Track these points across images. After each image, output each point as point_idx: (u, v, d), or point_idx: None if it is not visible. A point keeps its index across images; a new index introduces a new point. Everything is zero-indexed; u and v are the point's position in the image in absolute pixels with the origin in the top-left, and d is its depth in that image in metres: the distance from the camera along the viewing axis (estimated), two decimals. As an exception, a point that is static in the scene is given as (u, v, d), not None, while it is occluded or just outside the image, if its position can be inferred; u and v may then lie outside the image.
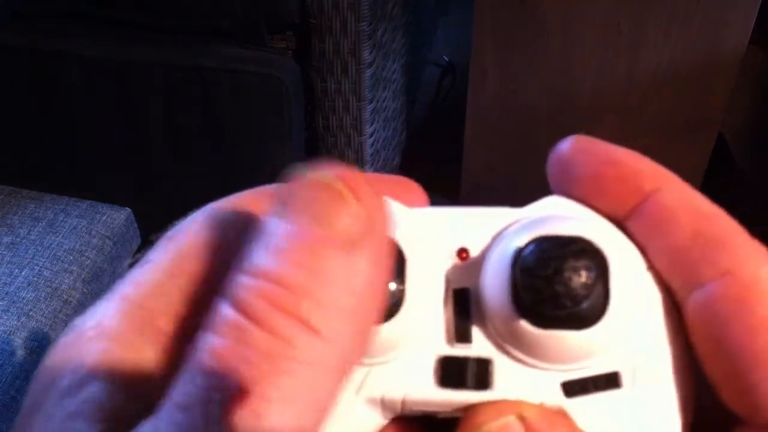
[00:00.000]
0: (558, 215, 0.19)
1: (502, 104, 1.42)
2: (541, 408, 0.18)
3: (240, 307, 0.15)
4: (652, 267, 0.19)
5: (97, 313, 0.18)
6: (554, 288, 0.17)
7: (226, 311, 0.15)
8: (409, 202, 0.20)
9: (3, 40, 1.13)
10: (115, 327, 0.17)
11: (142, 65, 1.12)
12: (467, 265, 0.20)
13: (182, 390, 0.15)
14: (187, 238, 0.19)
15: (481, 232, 0.20)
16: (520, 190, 1.63)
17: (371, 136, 1.27)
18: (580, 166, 0.20)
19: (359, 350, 0.16)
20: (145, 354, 0.17)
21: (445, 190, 1.61)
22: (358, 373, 0.19)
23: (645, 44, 1.24)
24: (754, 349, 0.17)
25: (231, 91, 1.12)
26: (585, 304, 0.17)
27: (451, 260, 0.20)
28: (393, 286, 0.18)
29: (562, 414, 0.18)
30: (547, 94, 1.37)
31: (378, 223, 0.17)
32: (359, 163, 1.28)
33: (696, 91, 1.27)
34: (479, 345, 0.19)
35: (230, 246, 0.18)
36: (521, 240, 0.18)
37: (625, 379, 0.19)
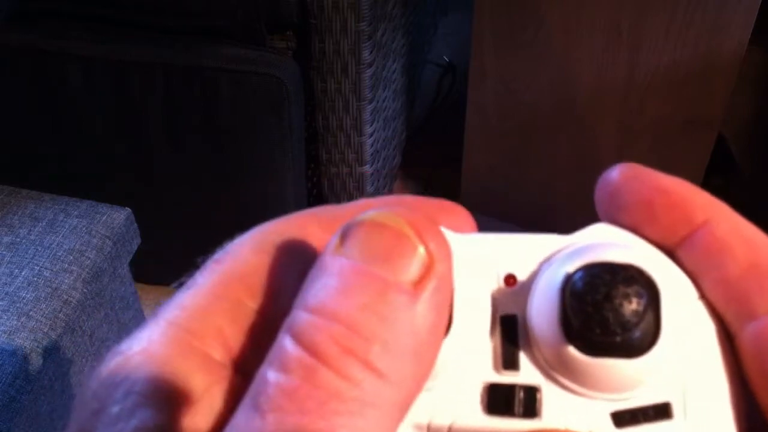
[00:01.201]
0: (607, 242, 0.19)
1: (502, 104, 1.42)
2: None
3: (308, 346, 0.15)
4: (704, 297, 0.19)
5: (143, 338, 0.18)
6: (604, 314, 0.17)
7: (292, 348, 0.16)
8: (457, 228, 0.20)
9: (3, 40, 1.13)
10: (162, 352, 0.17)
11: (142, 65, 1.12)
12: (514, 291, 0.20)
13: (245, 426, 0.15)
14: (234, 262, 0.19)
15: (528, 258, 0.20)
16: (520, 190, 1.63)
17: (371, 136, 1.27)
18: (630, 194, 0.19)
19: (420, 389, 0.17)
20: (193, 380, 0.17)
21: (445, 190, 1.61)
22: None
23: (645, 44, 1.24)
24: None
25: (231, 91, 1.12)
26: (635, 332, 0.17)
27: (498, 286, 0.20)
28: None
29: None
30: (547, 94, 1.37)
31: (442, 267, 0.17)
32: (359, 162, 1.28)
33: (696, 91, 1.27)
34: (527, 372, 0.19)
35: (278, 272, 0.18)
36: (571, 266, 0.18)
37: (676, 410, 0.18)
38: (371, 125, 1.25)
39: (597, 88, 1.32)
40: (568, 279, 0.18)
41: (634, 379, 0.18)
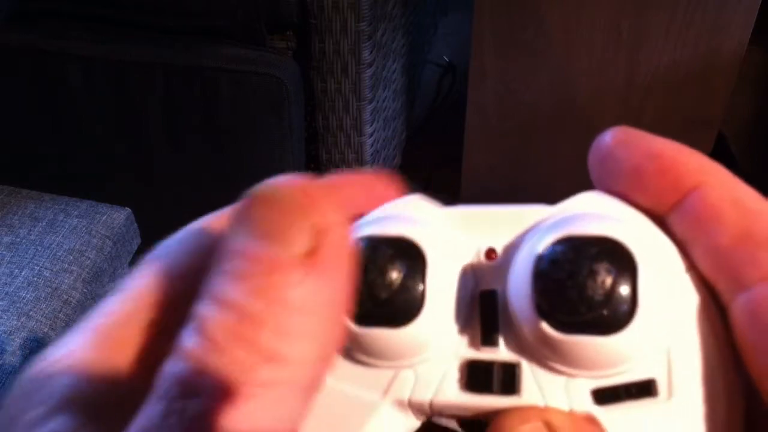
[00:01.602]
0: (589, 213, 0.19)
1: (502, 104, 1.42)
2: (569, 415, 0.18)
3: (201, 337, 0.15)
4: (693, 268, 0.18)
5: (66, 345, 0.17)
6: (568, 292, 0.17)
7: (188, 340, 0.15)
8: (381, 200, 0.20)
9: (3, 40, 1.13)
10: (84, 358, 0.17)
11: (142, 65, 1.12)
12: (495, 265, 0.19)
13: (146, 414, 0.15)
14: (162, 264, 0.19)
15: (510, 231, 0.19)
16: (520, 190, 1.63)
17: (371, 136, 1.27)
18: (620, 160, 0.19)
19: (325, 367, 0.16)
20: (115, 384, 0.17)
21: (445, 190, 1.61)
22: (385, 376, 0.19)
23: (645, 44, 1.24)
24: None
25: (231, 91, 1.12)
26: (605, 309, 0.17)
27: (479, 260, 0.19)
28: (417, 287, 0.18)
29: (591, 421, 0.18)
30: (547, 94, 1.37)
31: (335, 239, 0.16)
32: (359, 162, 1.28)
33: (696, 91, 1.27)
34: (506, 349, 0.19)
35: (198, 271, 0.17)
36: (546, 240, 0.18)
37: (661, 387, 0.18)
38: (371, 125, 1.25)
39: (597, 88, 1.32)
40: (539, 255, 0.17)
41: (613, 357, 0.17)
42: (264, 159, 1.18)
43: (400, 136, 1.55)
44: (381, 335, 0.18)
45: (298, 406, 0.16)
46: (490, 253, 0.19)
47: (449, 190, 1.60)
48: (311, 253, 0.15)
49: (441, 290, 0.18)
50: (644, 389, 0.18)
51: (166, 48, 1.12)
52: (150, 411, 0.15)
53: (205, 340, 0.15)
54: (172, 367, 0.15)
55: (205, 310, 0.15)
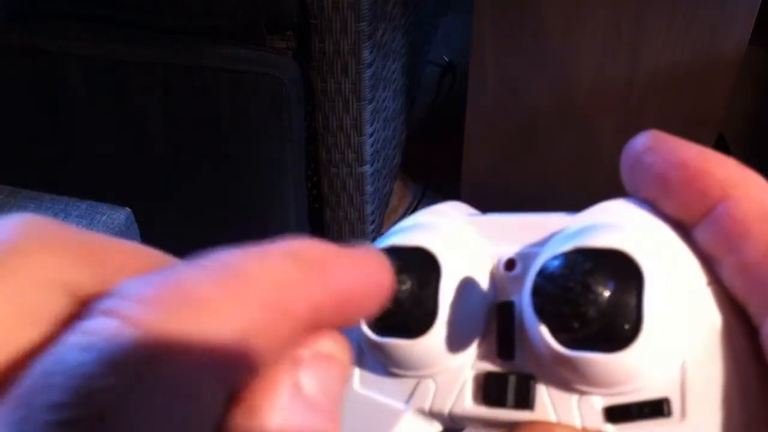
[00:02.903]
0: (603, 224, 0.18)
1: (502, 104, 1.42)
2: None
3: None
4: (716, 282, 0.17)
5: None
6: (561, 308, 0.16)
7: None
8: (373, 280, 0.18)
9: (3, 40, 1.13)
10: None
11: (142, 65, 1.12)
12: (513, 276, 0.19)
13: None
14: None
15: (530, 241, 0.19)
16: (520, 190, 1.63)
17: (371, 136, 1.27)
18: (647, 168, 0.18)
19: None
20: None
21: (445, 190, 1.61)
22: (408, 384, 0.19)
23: (645, 44, 1.24)
24: None
25: (231, 91, 1.12)
26: (604, 325, 0.16)
27: (500, 271, 0.19)
28: (430, 299, 0.18)
29: None
30: (547, 94, 1.37)
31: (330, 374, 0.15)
32: (359, 162, 1.28)
33: (696, 91, 1.27)
34: (522, 361, 0.18)
35: None
36: (553, 252, 0.17)
37: (674, 407, 0.17)
38: (371, 125, 1.25)
39: (597, 88, 1.32)
40: (539, 269, 0.17)
41: (620, 374, 0.17)
42: (264, 159, 1.18)
43: (400, 136, 1.55)
44: (398, 345, 0.18)
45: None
46: (509, 263, 0.19)
47: (449, 190, 1.60)
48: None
49: (455, 302, 0.18)
50: (657, 408, 0.17)
51: (166, 48, 1.12)
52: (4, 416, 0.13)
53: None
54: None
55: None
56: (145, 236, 1.02)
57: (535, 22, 1.29)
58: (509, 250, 0.19)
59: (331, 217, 1.36)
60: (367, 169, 1.30)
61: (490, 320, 0.19)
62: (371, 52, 1.16)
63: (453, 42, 1.92)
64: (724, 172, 0.17)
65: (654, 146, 0.18)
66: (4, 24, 1.13)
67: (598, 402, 0.17)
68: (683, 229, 0.18)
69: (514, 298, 0.19)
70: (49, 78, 1.14)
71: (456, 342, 0.19)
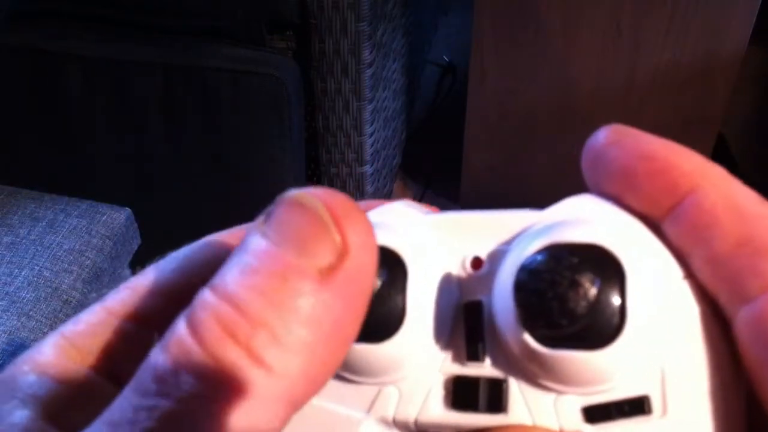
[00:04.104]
0: (577, 219, 0.17)
1: (502, 104, 1.42)
2: None
3: (192, 326, 0.14)
4: (691, 276, 0.17)
5: (38, 348, 0.18)
6: (547, 304, 0.16)
7: (179, 328, 0.15)
8: None
9: (3, 40, 1.13)
10: (49, 362, 0.17)
11: (142, 65, 1.12)
12: (480, 275, 0.18)
13: (116, 406, 0.14)
14: (146, 279, 0.19)
15: (497, 238, 0.18)
16: (520, 190, 1.63)
17: (371, 136, 1.27)
18: (611, 161, 0.18)
19: (315, 388, 0.15)
20: (75, 387, 0.17)
21: (445, 190, 1.61)
22: (368, 392, 0.18)
23: (645, 44, 1.24)
24: None
25: (231, 91, 1.12)
26: (589, 322, 0.16)
27: (464, 270, 0.18)
28: (396, 300, 0.17)
29: None
30: (547, 94, 1.37)
31: (359, 259, 0.15)
32: (359, 162, 1.28)
33: (696, 91, 1.27)
34: (492, 364, 0.17)
35: (190, 288, 0.16)
36: (530, 249, 0.17)
37: (655, 404, 0.17)
38: (371, 125, 1.25)
39: (597, 88, 1.32)
40: (520, 265, 0.16)
41: (601, 373, 0.16)
42: (264, 159, 1.18)
43: (400, 136, 1.55)
44: (361, 351, 0.17)
45: (273, 419, 0.15)
46: (476, 262, 0.18)
47: (449, 190, 1.60)
48: (330, 269, 0.15)
49: (422, 303, 0.17)
50: (637, 406, 0.17)
51: (166, 48, 1.12)
52: (122, 403, 0.14)
53: (194, 331, 0.14)
54: (152, 358, 0.15)
55: (204, 298, 0.15)
56: (145, 236, 1.02)
57: (535, 22, 1.29)
58: (473, 249, 0.18)
59: (331, 217, 1.36)
60: (367, 169, 1.30)
61: (457, 321, 0.18)
62: (371, 52, 1.16)
63: (453, 42, 1.92)
64: (691, 163, 0.17)
65: (617, 139, 0.18)
66: (4, 24, 1.14)
67: (576, 402, 0.17)
68: (652, 224, 0.17)
69: (481, 297, 0.18)
70: (49, 78, 1.14)
71: (423, 345, 0.18)
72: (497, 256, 0.18)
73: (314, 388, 0.15)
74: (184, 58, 1.11)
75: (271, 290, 0.14)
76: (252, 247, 0.15)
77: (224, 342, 0.14)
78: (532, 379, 0.17)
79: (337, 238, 0.15)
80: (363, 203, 0.19)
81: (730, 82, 1.25)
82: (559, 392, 0.17)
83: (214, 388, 0.14)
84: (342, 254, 0.15)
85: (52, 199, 0.95)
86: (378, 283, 0.17)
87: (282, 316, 0.14)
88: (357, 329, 0.16)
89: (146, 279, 0.19)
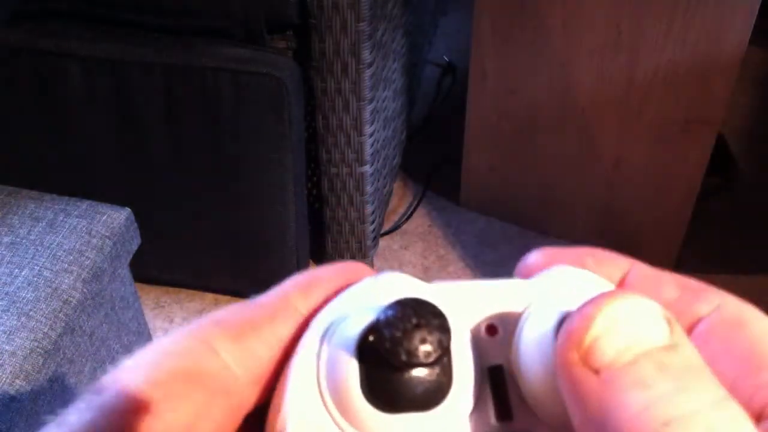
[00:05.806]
0: (576, 288, 0.19)
1: (502, 104, 1.42)
2: None
3: None
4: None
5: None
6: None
7: None
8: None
9: (3, 40, 1.13)
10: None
11: (142, 65, 1.12)
12: (497, 340, 0.19)
13: None
14: (118, 396, 0.17)
15: (501, 307, 0.20)
16: (520, 190, 1.63)
17: (371, 136, 1.27)
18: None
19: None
20: None
21: (445, 190, 1.61)
22: None
23: (645, 44, 1.24)
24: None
25: (231, 91, 1.12)
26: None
27: (480, 336, 0.19)
28: (443, 366, 0.18)
29: None
30: (547, 94, 1.37)
31: None
32: (359, 162, 1.28)
33: (696, 91, 1.27)
34: (521, 421, 0.19)
35: (172, 407, 0.16)
36: (554, 316, 0.18)
37: None
38: (371, 125, 1.25)
39: (597, 88, 1.32)
40: (560, 320, 0.18)
41: None
42: (264, 159, 1.18)
43: (400, 136, 1.55)
44: (411, 420, 0.18)
45: None
46: (490, 328, 0.19)
47: (449, 190, 1.60)
48: None
49: (463, 370, 0.18)
50: None
51: (166, 48, 1.12)
52: None
53: None
54: None
55: None
56: (145, 236, 1.02)
57: (535, 22, 1.29)
58: (483, 316, 0.19)
59: (331, 217, 1.36)
60: (367, 169, 1.30)
61: (482, 385, 0.19)
62: (371, 52, 1.16)
63: (453, 42, 1.92)
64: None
65: (552, 255, 0.20)
66: (4, 24, 1.13)
67: None
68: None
69: (502, 361, 0.19)
70: (49, 78, 1.14)
71: (464, 409, 0.18)
72: (509, 323, 0.19)
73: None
74: (184, 58, 1.11)
75: None
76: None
77: None
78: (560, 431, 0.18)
79: None
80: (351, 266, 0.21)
81: (729, 83, 1.25)
82: None
83: None
84: None
85: (52, 199, 0.95)
86: (434, 342, 0.17)
87: None
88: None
89: (119, 393, 0.17)
